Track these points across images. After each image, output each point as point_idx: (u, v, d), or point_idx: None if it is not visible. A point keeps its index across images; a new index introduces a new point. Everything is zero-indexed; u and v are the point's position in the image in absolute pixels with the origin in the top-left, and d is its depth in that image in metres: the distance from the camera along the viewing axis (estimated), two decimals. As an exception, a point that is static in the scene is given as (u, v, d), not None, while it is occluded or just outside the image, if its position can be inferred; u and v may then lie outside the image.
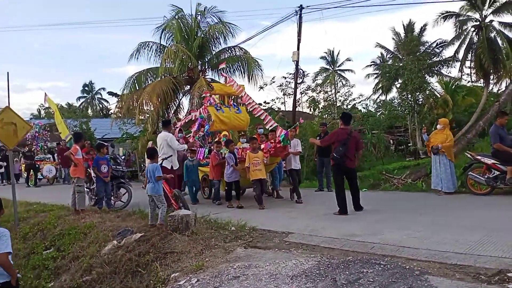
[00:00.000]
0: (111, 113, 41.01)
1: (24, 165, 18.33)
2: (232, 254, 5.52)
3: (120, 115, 20.55)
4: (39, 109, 60.00)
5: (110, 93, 58.46)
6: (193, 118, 12.35)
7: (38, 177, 17.93)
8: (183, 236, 6.20)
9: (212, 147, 10.62)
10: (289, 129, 9.74)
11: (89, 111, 60.24)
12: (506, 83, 35.39)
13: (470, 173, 9.40)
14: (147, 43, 19.77)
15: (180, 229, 6.38)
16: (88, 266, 6.42)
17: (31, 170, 17.67)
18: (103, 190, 9.40)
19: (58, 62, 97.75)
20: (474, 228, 5.85)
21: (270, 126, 9.92)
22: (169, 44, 19.72)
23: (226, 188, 9.54)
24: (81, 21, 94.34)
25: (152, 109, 18.39)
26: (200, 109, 11.80)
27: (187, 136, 11.85)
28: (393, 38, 33.30)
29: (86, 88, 63.30)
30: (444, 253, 4.65)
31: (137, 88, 19.37)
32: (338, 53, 40.56)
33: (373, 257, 4.77)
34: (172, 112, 19.92)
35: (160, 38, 19.89)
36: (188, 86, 19.44)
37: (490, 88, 31.87)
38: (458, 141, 14.92)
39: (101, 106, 62.67)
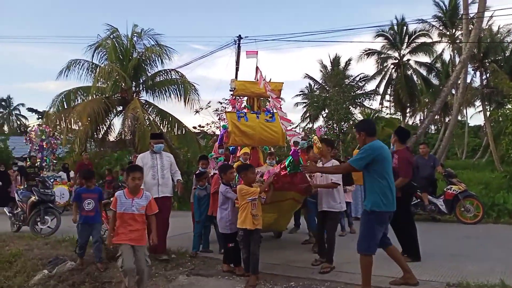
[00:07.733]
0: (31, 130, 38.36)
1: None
2: (175, 283, 5.51)
3: (44, 134, 19.29)
4: None
5: (31, 110, 54.90)
6: None
7: None
8: (122, 265, 6.03)
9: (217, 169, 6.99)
10: (299, 147, 5.64)
11: (5, 127, 55.82)
12: (420, 116, 39.05)
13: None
14: (79, 60, 18.94)
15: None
16: (15, 298, 5.99)
17: None
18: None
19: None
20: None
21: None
22: (102, 63, 19.12)
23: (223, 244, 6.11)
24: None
25: (81, 128, 17.58)
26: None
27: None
28: (321, 70, 35.30)
29: (3, 103, 58.73)
30: (378, 277, 5.03)
31: (66, 107, 18.45)
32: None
33: (314, 283, 5.04)
34: (102, 133, 19.20)
35: (93, 56, 19.18)
36: (121, 107, 18.92)
37: (406, 120, 34.83)
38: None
39: (19, 123, 58.32)
